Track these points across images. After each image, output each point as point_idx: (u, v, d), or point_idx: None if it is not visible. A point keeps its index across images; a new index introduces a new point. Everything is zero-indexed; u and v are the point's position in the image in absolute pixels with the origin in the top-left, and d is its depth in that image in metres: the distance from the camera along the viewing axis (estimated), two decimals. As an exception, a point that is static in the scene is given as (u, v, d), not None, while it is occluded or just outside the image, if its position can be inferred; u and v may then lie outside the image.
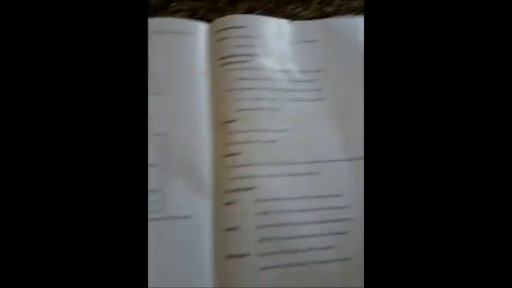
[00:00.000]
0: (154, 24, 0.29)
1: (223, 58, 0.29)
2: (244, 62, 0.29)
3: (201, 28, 0.30)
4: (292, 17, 0.31)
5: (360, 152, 0.27)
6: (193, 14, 0.31)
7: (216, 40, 0.30)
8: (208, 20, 0.31)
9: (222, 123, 0.27)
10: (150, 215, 0.24)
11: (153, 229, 0.23)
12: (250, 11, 0.31)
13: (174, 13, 0.31)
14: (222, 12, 0.31)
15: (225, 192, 0.26)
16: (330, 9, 0.31)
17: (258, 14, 0.31)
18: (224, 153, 0.27)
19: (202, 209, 0.25)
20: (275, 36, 0.31)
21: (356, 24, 0.31)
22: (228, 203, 0.25)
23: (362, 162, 0.27)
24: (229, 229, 0.25)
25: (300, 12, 0.31)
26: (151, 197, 0.25)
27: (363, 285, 0.23)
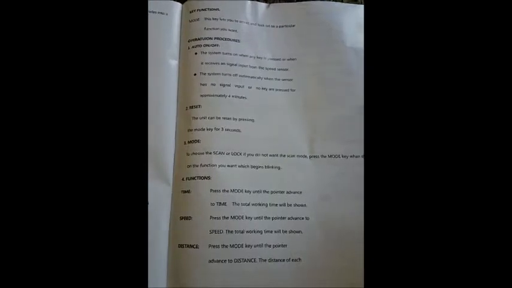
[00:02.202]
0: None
1: (193, 40, 0.28)
2: (213, 45, 0.28)
3: (176, 8, 0.29)
4: None
5: (323, 150, 0.26)
6: (170, -7, 0.30)
7: (188, 21, 0.29)
8: (184, 0, 0.29)
9: (186, 108, 0.26)
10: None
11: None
12: (228, -8, 0.30)
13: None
14: (200, -8, 0.30)
15: (183, 180, 0.25)
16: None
17: (236, -5, 0.30)
18: (185, 140, 0.26)
19: (163, 195, 0.25)
20: (250, 20, 0.29)
21: (334, 10, 0.30)
22: (185, 191, 0.24)
23: (324, 160, 0.26)
24: (184, 218, 0.24)
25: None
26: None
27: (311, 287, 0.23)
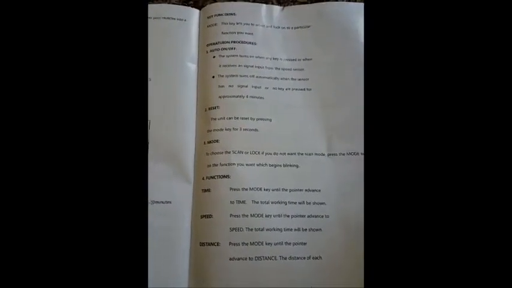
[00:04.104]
0: (148, 10, 0.29)
1: (211, 44, 0.29)
2: (230, 49, 0.28)
3: (194, 14, 0.30)
4: (285, 2, 0.30)
5: (341, 147, 0.26)
6: (187, 0, 0.31)
7: (206, 26, 0.30)
8: (202, 7, 0.30)
9: (205, 110, 0.27)
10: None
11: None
12: (245, -4, 0.30)
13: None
14: (216, -1, 0.31)
15: (204, 179, 0.25)
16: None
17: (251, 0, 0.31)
18: (205, 140, 0.26)
19: (183, 194, 0.25)
20: (265, 23, 0.30)
21: (348, 10, 0.30)
22: (205, 190, 0.25)
23: (342, 158, 0.26)
24: (204, 216, 0.24)
25: (294, -3, 0.30)
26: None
27: (331, 286, 0.23)
